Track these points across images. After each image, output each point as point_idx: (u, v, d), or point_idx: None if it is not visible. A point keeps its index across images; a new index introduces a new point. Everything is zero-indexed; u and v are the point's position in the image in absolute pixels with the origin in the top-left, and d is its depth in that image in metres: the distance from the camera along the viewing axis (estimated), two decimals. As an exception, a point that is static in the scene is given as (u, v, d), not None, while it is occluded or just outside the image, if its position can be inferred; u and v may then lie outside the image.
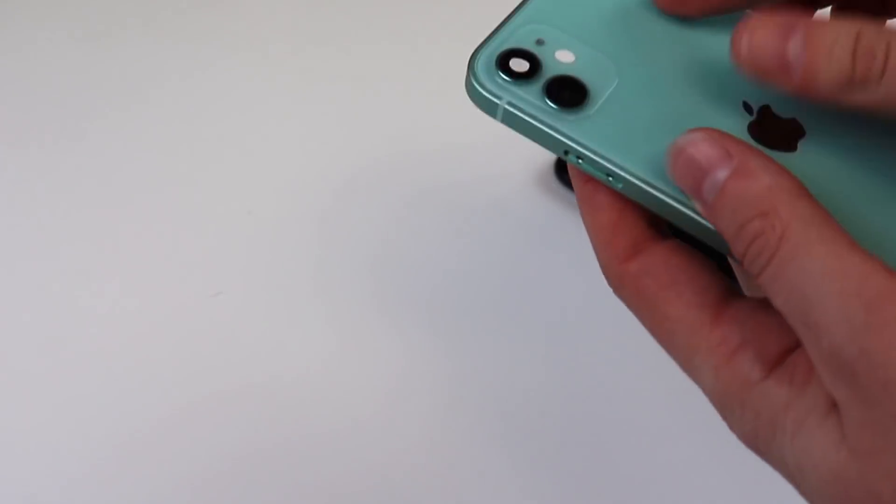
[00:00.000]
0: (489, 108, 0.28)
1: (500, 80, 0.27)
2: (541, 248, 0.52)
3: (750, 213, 0.23)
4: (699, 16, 0.29)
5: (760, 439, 0.24)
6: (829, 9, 0.30)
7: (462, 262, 0.51)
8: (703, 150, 0.24)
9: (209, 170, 0.55)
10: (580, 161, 0.27)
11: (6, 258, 0.51)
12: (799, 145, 0.27)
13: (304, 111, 0.58)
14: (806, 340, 0.22)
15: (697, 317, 0.25)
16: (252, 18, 0.64)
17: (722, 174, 0.24)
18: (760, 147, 0.26)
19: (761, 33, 0.24)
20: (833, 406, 0.23)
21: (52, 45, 0.62)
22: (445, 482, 0.44)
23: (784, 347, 0.24)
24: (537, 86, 0.27)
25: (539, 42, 0.28)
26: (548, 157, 0.55)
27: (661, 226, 0.27)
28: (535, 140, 0.27)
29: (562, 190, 0.54)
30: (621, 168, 0.26)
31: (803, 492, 0.24)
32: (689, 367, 0.25)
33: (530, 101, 0.27)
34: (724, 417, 0.25)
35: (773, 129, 0.27)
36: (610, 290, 0.27)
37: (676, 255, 0.26)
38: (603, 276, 0.27)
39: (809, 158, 0.27)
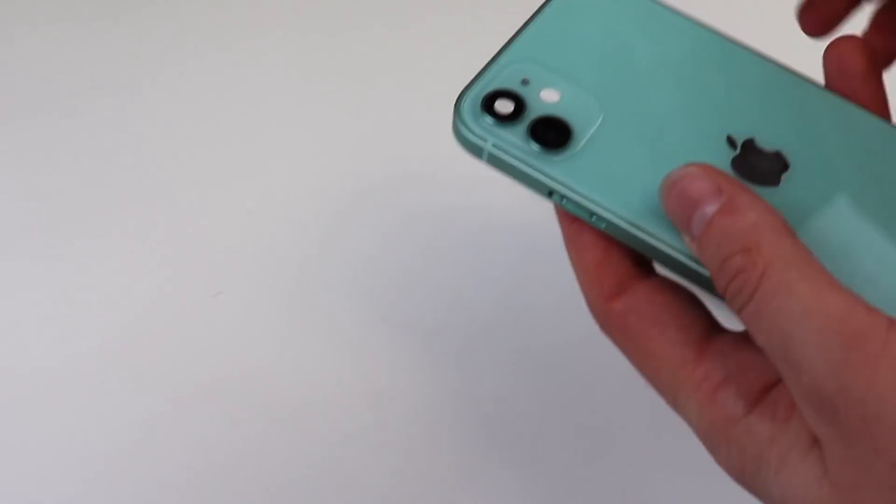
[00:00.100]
0: (475, 150, 0.28)
1: (485, 123, 0.28)
2: (542, 266, 0.51)
3: (733, 248, 0.24)
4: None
5: (746, 473, 0.25)
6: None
7: (462, 265, 0.51)
8: (695, 184, 0.25)
9: (209, 169, 0.55)
10: (564, 201, 0.27)
11: (4, 258, 0.51)
12: (782, 178, 0.28)
13: (306, 110, 0.58)
14: (787, 377, 0.23)
15: (681, 354, 0.25)
16: (257, 15, 0.63)
17: (710, 209, 0.24)
18: (744, 182, 0.26)
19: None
20: (815, 441, 0.23)
21: (53, 44, 0.61)
22: (445, 488, 0.44)
23: (767, 382, 0.25)
24: (522, 127, 0.28)
25: (524, 82, 0.29)
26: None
27: (647, 263, 0.28)
28: (519, 181, 0.28)
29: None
30: (604, 208, 0.27)
31: (789, 525, 0.24)
32: (675, 403, 0.26)
33: (515, 142, 0.27)
34: (711, 452, 0.26)
35: (757, 164, 0.28)
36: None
37: (661, 293, 0.27)
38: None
39: (792, 193, 0.27)
